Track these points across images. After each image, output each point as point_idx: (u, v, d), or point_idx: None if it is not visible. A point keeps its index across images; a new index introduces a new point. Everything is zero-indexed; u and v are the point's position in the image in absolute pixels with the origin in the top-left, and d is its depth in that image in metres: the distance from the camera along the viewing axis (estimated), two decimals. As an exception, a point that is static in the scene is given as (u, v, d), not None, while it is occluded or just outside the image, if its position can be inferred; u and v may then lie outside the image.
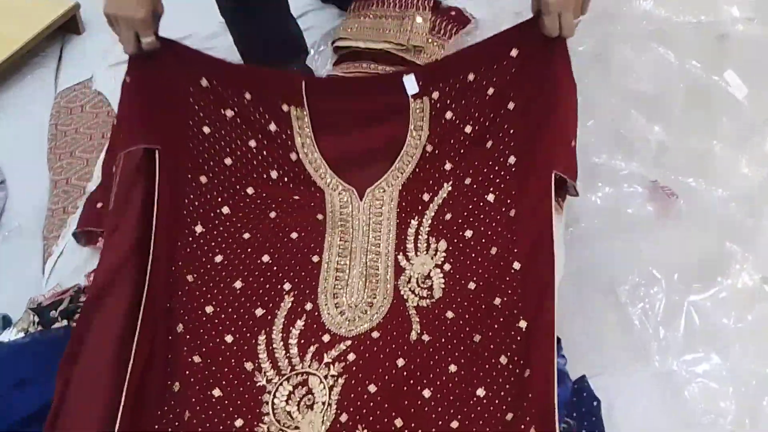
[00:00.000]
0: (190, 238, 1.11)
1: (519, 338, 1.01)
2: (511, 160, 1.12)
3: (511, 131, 1.13)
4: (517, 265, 1.06)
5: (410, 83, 1.16)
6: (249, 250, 1.13)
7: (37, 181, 1.47)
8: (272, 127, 1.18)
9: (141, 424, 0.95)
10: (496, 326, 1.03)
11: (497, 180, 1.13)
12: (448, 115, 1.18)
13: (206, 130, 1.14)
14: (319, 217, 1.18)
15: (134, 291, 1.04)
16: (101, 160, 1.45)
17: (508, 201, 1.11)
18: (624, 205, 1.39)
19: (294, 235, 1.15)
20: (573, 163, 1.09)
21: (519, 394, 0.97)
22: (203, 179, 1.14)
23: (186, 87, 1.13)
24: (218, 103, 1.15)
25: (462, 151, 1.17)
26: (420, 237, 1.15)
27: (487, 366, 1.01)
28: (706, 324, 1.22)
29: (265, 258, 1.13)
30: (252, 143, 1.17)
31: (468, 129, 1.17)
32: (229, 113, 1.15)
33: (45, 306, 1.12)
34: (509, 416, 0.96)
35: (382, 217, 1.19)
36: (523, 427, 0.93)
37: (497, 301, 1.04)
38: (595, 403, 1.10)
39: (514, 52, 1.12)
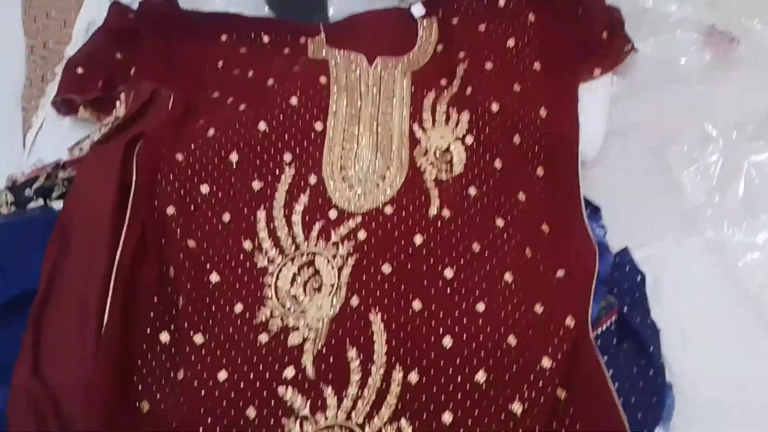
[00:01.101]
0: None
1: (544, 237, 0.93)
2: (537, 66, 1.06)
3: (536, 41, 1.08)
4: None
5: (417, 9, 1.16)
6: (243, 119, 0.99)
7: (12, 47, 1.32)
8: (286, 50, 1.12)
9: (134, 312, 0.86)
10: (521, 219, 0.93)
11: (522, 77, 1.05)
12: (455, 20, 1.13)
13: (220, 63, 1.11)
14: (323, 80, 1.03)
15: (122, 174, 0.95)
16: (79, 21, 1.31)
17: (537, 97, 1.03)
18: (676, 55, 1.20)
19: (294, 101, 1.00)
20: (607, 57, 1.10)
21: (549, 287, 0.88)
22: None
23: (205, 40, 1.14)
24: (236, 46, 1.13)
25: (478, 44, 1.08)
26: (438, 107, 1.02)
27: (514, 253, 0.90)
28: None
29: (262, 126, 0.99)
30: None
31: (482, 27, 1.09)
32: (244, 49, 1.13)
33: (19, 185, 1.00)
34: (539, 308, 0.85)
35: (395, 85, 1.04)
36: (557, 318, 0.82)
37: (521, 196, 0.95)
38: (638, 278, 0.98)
39: None
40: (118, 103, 1.13)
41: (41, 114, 1.19)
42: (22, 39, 1.32)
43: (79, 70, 1.13)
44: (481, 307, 0.85)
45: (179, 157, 0.97)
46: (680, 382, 0.92)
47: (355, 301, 0.86)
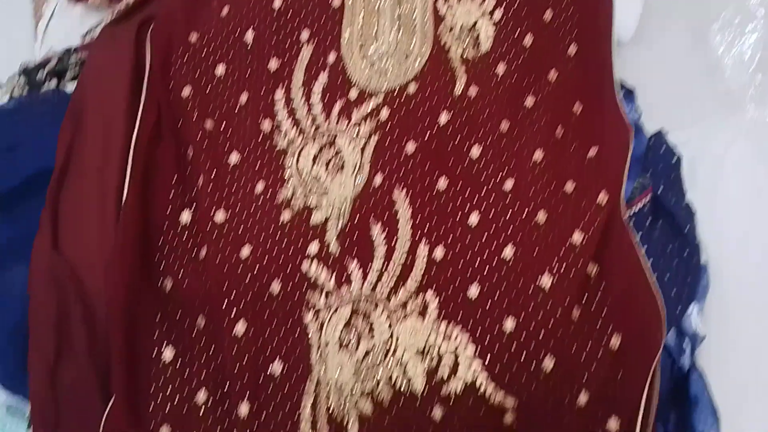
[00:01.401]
0: None
1: (576, 117, 0.88)
2: None
3: None
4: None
5: None
6: None
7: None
8: None
9: (152, 192, 0.85)
10: (552, 98, 0.89)
11: None
12: None
13: None
14: None
15: (136, 55, 0.93)
16: None
17: None
18: None
19: (310, -25, 0.95)
20: None
21: (580, 166, 0.85)
22: None
23: None
24: None
25: None
26: None
27: (544, 131, 0.86)
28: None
29: (277, 3, 0.94)
30: None
31: None
32: None
33: (31, 68, 0.97)
34: (569, 187, 0.82)
35: None
36: (588, 195, 0.80)
37: (552, 74, 0.90)
38: (674, 160, 0.93)
39: None
40: (129, -14, 1.09)
41: (52, 2, 1.15)
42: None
43: (89, -46, 1.09)
44: (509, 184, 0.82)
45: (193, 37, 0.93)
46: (716, 264, 0.89)
47: (378, 179, 0.83)
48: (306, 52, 0.92)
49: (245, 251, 0.80)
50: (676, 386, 0.82)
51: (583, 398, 0.72)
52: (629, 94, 0.99)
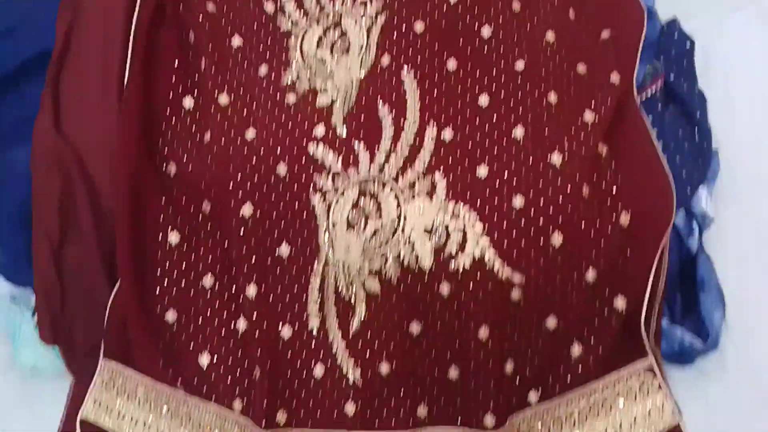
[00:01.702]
0: None
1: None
2: None
3: None
4: None
5: None
6: None
7: None
8: None
9: (155, 77, 0.83)
10: None
11: None
12: None
13: None
14: None
15: None
16: None
17: None
18: None
19: None
20: None
21: (593, 48, 0.82)
22: None
23: None
24: None
25: None
26: None
27: (556, 13, 0.83)
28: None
29: None
30: None
31: None
32: None
33: (26, -51, 0.94)
34: (581, 68, 0.80)
35: None
36: (601, 75, 0.79)
37: None
38: (687, 45, 0.91)
39: None
40: None
41: None
42: None
43: None
44: (520, 65, 0.80)
45: None
46: (726, 151, 0.89)
47: (386, 60, 0.81)
48: None
49: (250, 133, 0.79)
50: (683, 268, 0.82)
51: (590, 275, 0.72)
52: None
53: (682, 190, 0.80)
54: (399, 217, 0.75)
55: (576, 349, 0.73)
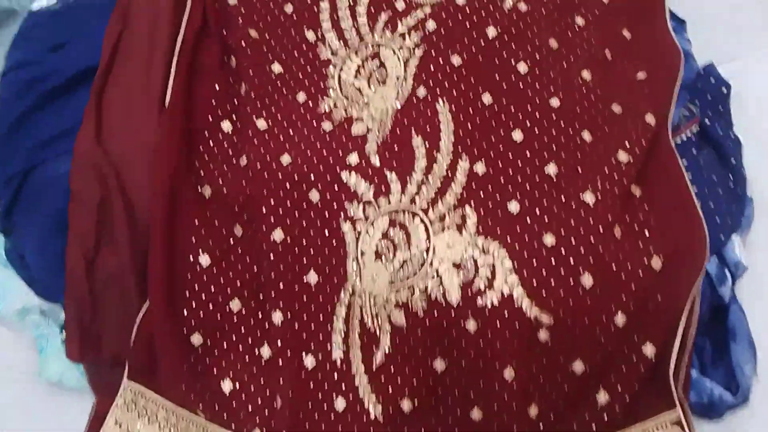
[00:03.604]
0: None
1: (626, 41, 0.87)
2: None
3: None
4: None
5: None
6: None
7: None
8: None
9: (196, 97, 0.85)
10: (601, 20, 0.87)
11: None
12: None
13: None
14: None
15: None
16: None
17: None
18: None
19: None
20: None
21: (628, 87, 0.83)
22: None
23: None
24: None
25: None
26: None
27: (593, 52, 0.84)
28: None
29: None
30: None
31: None
32: None
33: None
34: (617, 108, 0.80)
35: None
36: (636, 115, 0.79)
37: None
38: (723, 90, 0.91)
39: None
40: None
41: None
42: None
43: None
44: (555, 102, 0.80)
45: None
46: (760, 197, 0.87)
47: (422, 91, 0.82)
48: None
49: (285, 159, 0.80)
50: (714, 316, 0.81)
51: (620, 319, 0.71)
52: (680, 25, 0.96)
53: (716, 236, 0.79)
54: (428, 250, 0.74)
55: (602, 396, 0.71)
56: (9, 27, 0.98)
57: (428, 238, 0.75)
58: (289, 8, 0.89)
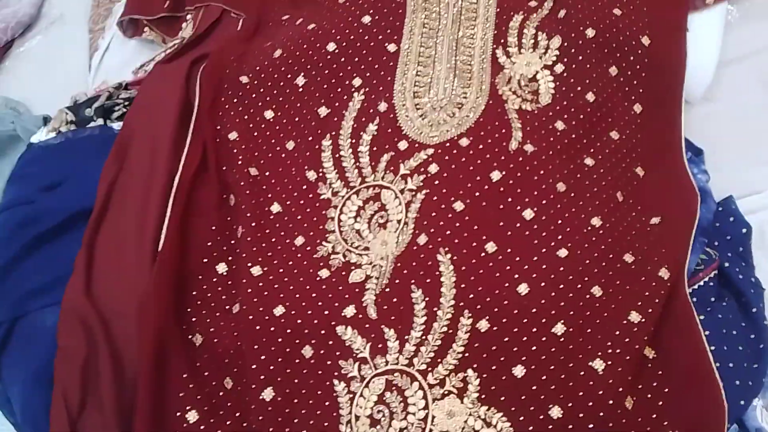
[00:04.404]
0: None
1: (639, 180, 0.83)
2: None
3: None
4: None
5: None
6: (312, 39, 0.92)
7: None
8: None
9: (191, 239, 0.83)
10: (613, 160, 0.83)
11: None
12: None
13: None
14: None
15: (185, 94, 0.92)
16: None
17: (640, 22, 0.90)
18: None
19: (366, 19, 0.92)
20: None
21: (641, 235, 0.78)
22: None
23: None
24: None
25: None
26: (526, 31, 0.91)
27: (603, 196, 0.80)
28: None
29: (331, 47, 0.91)
30: None
31: None
32: None
33: (80, 103, 0.97)
34: (629, 258, 0.76)
35: (479, 3, 0.93)
36: (649, 268, 0.73)
37: (614, 134, 0.84)
38: (743, 230, 0.86)
39: None
40: (184, 24, 1.09)
41: (108, 35, 1.16)
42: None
43: (147, -13, 1.09)
44: (563, 252, 0.77)
45: (244, 79, 0.92)
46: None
47: (422, 239, 0.79)
48: (357, 100, 0.89)
49: (278, 310, 0.77)
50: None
51: (633, 500, 0.66)
52: (697, 154, 0.93)
53: (735, 402, 0.73)
54: (426, 419, 0.70)
55: None
56: (11, 154, 0.98)
57: (426, 405, 0.71)
58: (290, 144, 0.88)
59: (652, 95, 0.88)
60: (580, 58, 0.88)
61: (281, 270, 0.80)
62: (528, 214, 0.79)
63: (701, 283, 0.82)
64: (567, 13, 0.91)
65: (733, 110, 0.97)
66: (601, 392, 0.68)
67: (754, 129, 0.96)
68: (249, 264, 0.80)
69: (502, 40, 0.92)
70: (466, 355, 0.72)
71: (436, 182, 0.82)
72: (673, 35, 0.91)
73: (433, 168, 0.83)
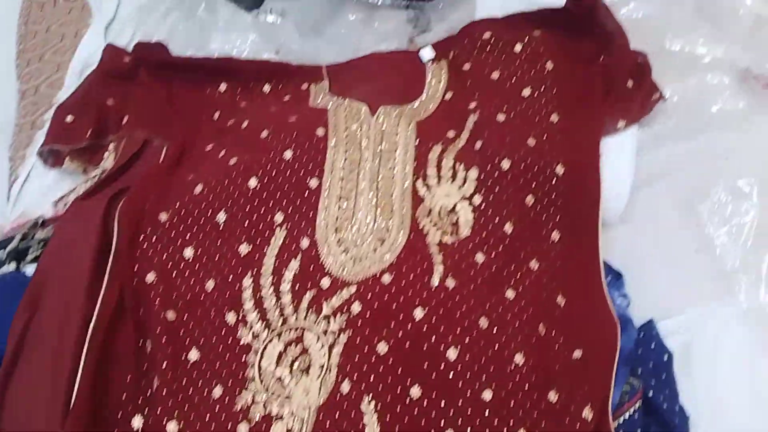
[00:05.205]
0: None
1: (560, 310, 0.84)
2: (554, 118, 0.96)
3: (554, 90, 0.99)
4: None
5: (427, 53, 1.11)
6: (233, 174, 0.92)
7: (4, 92, 1.26)
8: (287, 98, 1.06)
9: (105, 392, 0.79)
10: (534, 290, 0.84)
11: (538, 129, 0.95)
12: (467, 66, 1.06)
13: (216, 114, 1.06)
14: (320, 132, 0.95)
15: (103, 233, 0.89)
16: (73, 63, 1.26)
17: (553, 152, 0.94)
18: (707, 101, 1.10)
19: (288, 154, 0.93)
20: (633, 107, 1.02)
21: (564, 370, 0.79)
22: None
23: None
24: (234, 96, 1.08)
25: (490, 92, 1.00)
26: (444, 162, 0.93)
27: (526, 330, 0.80)
28: (809, 250, 0.96)
29: (253, 182, 0.91)
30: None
31: (495, 75, 1.01)
32: (243, 102, 1.07)
33: (-8, 244, 0.94)
34: (552, 396, 0.75)
35: (399, 137, 0.96)
36: (573, 408, 0.72)
37: (534, 263, 0.85)
38: (665, 357, 0.87)
39: (536, 33, 1.06)
40: (106, 153, 1.07)
41: (28, 164, 1.13)
42: (14, 83, 1.27)
43: (69, 118, 1.07)
44: (488, 395, 0.76)
45: (163, 216, 0.90)
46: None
47: (346, 386, 0.77)
48: (279, 237, 0.89)
49: None
50: None
51: None
52: (617, 278, 0.95)
53: None
54: None
55: None
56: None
57: None
58: (210, 285, 0.86)
59: (569, 221, 0.90)
60: (497, 189, 0.90)
61: (198, 425, 0.76)
62: (452, 354, 0.79)
63: (626, 416, 0.82)
64: (483, 145, 0.93)
65: (650, 231, 1.00)
66: None
67: (672, 249, 0.99)
68: (164, 419, 0.76)
69: (422, 172, 0.93)
70: None
71: (359, 323, 0.81)
72: (587, 161, 0.95)
73: (356, 307, 0.82)
